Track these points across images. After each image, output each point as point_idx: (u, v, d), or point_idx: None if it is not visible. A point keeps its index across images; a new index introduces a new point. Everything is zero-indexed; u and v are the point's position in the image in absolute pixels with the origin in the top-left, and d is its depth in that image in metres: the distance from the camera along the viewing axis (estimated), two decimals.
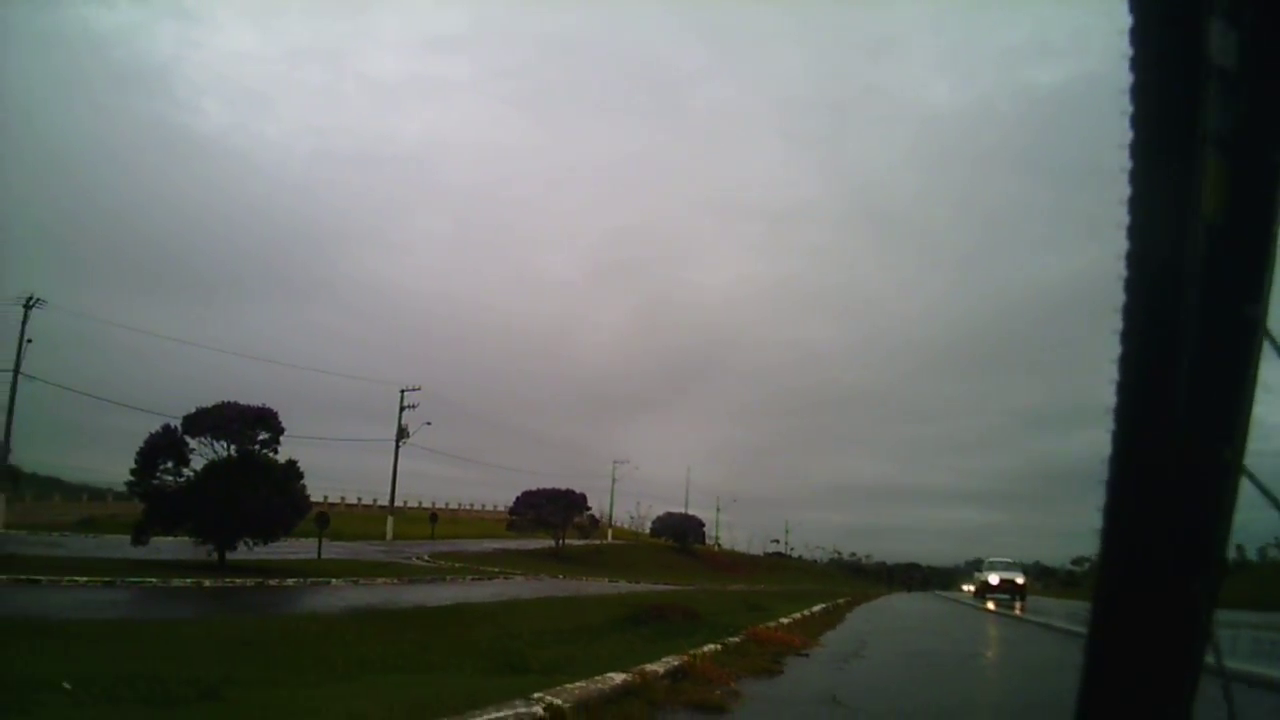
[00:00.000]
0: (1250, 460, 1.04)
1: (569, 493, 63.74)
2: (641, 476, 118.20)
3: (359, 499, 78.35)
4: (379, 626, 13.61)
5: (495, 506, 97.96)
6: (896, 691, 10.12)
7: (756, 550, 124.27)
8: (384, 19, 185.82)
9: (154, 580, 24.21)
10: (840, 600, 33.86)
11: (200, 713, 6.28)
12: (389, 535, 59.65)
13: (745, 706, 8.08)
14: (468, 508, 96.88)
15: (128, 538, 31.40)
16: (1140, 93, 1.04)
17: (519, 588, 31.80)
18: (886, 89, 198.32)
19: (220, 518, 28.51)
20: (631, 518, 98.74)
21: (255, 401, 30.65)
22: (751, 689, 9.08)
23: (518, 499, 64.75)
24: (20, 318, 45.80)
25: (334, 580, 28.71)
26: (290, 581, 27.28)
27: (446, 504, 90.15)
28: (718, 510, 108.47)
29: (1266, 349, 1.03)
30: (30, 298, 45.66)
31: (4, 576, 21.85)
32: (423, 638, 12.01)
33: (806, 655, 12.83)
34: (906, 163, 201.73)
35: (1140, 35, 1.04)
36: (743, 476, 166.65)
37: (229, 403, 29.81)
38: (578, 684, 7.50)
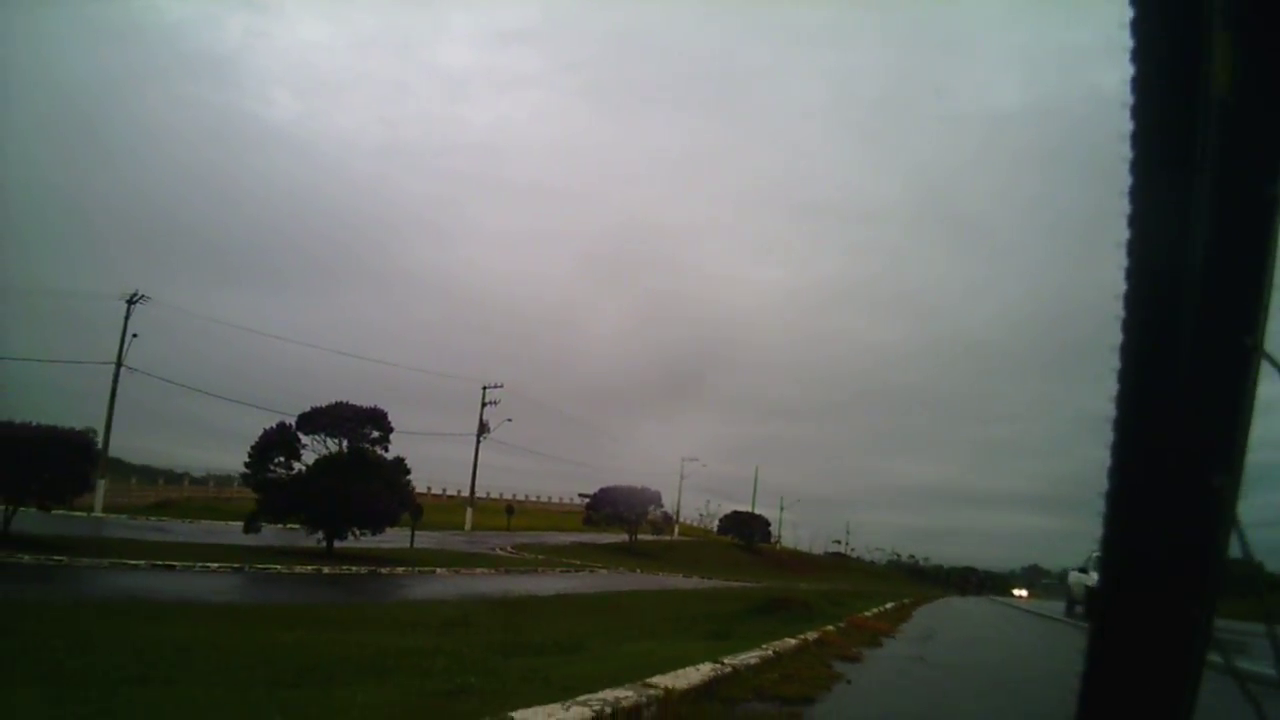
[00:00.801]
0: (1249, 470, 1.05)
1: (644, 490, 65.40)
2: (706, 473, 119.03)
3: (428, 488, 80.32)
4: (552, 610, 15.85)
5: (560, 499, 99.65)
6: (958, 657, 14.68)
7: (818, 550, 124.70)
8: (453, 12, 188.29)
9: (279, 567, 25.81)
10: (905, 600, 35.60)
11: (580, 657, 8.60)
12: (468, 526, 61.38)
13: (868, 661, 11.95)
14: (534, 499, 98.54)
15: (213, 522, 33.04)
16: (1140, 112, 1.07)
17: (611, 580, 33.19)
18: (955, 88, 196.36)
19: (332, 509, 30.05)
20: (701, 515, 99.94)
21: (345, 394, 32.32)
22: (867, 653, 12.90)
23: (595, 494, 66.26)
24: (125, 312, 48.09)
25: (438, 570, 30.25)
26: (400, 570, 28.83)
27: (514, 495, 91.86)
28: (781, 509, 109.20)
29: (1265, 361, 1.05)
30: (135, 294, 47.90)
31: (142, 562, 23.31)
32: (609, 619, 14.40)
33: (894, 637, 16.89)
34: (977, 164, 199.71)
35: (1141, 56, 1.07)
36: (805, 475, 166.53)
37: (343, 403, 31.48)
38: (777, 642, 10.89)
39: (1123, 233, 1.08)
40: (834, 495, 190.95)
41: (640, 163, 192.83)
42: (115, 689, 5.73)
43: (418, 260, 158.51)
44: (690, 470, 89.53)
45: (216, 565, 24.40)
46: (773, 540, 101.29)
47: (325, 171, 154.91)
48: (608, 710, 5.52)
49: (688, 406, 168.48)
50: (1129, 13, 1.06)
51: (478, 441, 63.59)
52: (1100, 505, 1.09)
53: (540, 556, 44.31)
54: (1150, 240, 1.08)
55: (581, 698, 5.69)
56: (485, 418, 63.36)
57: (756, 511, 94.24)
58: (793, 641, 11.59)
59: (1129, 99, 1.08)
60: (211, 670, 6.92)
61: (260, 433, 31.76)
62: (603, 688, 6.14)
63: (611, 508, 64.03)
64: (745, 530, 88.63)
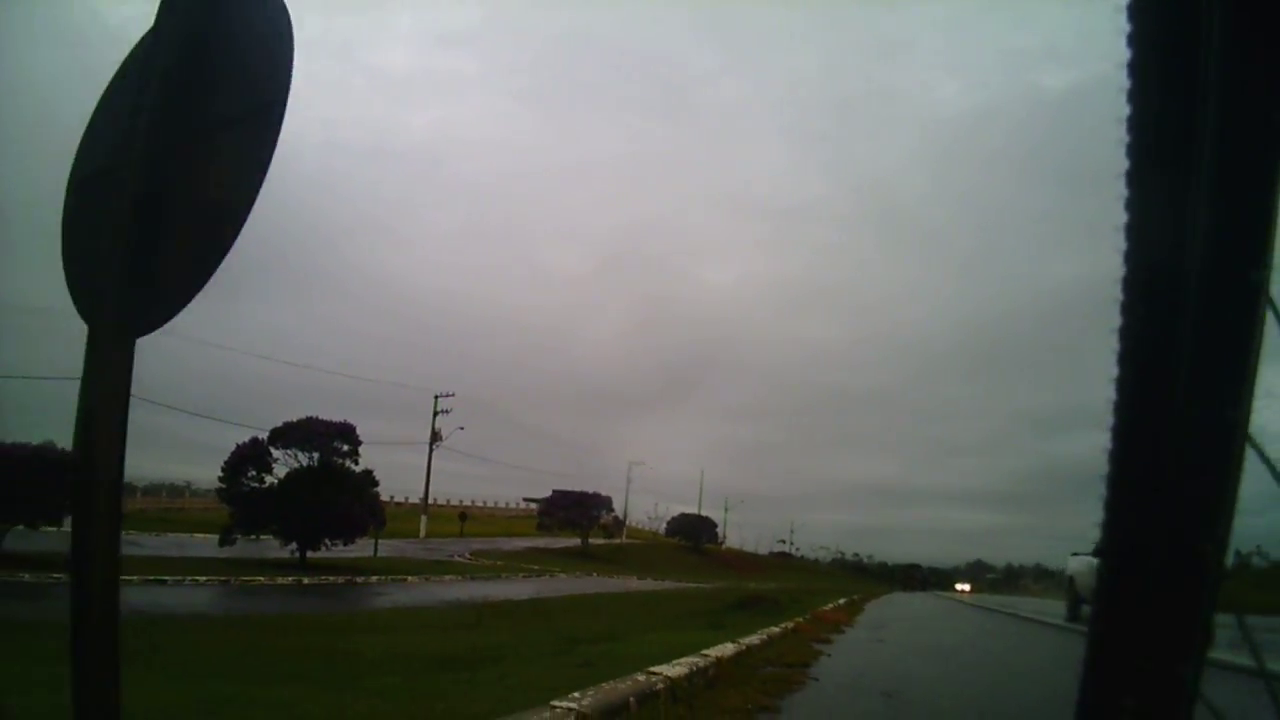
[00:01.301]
0: (1249, 459, 1.05)
1: (595, 495, 67.64)
2: (651, 475, 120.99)
3: (387, 496, 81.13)
4: (545, 612, 17.88)
5: (510, 503, 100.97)
6: (908, 639, 17.26)
7: (763, 550, 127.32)
8: (395, 14, 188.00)
9: (261, 579, 27.08)
10: (855, 597, 38.54)
11: (628, 644, 10.52)
12: (423, 533, 62.55)
13: (838, 642, 14.46)
14: (484, 504, 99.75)
15: (179, 534, 33.60)
16: (1138, 96, 1.07)
17: (576, 584, 34.88)
18: (895, 91, 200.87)
19: (305, 521, 31.37)
20: (649, 518, 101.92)
21: (285, 401, 33.63)
22: (836, 637, 15.59)
23: (547, 499, 68.13)
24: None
25: (409, 577, 31.69)
26: (374, 579, 30.20)
27: (466, 501, 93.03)
28: (725, 510, 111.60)
29: (1265, 347, 1.03)
30: None
31: (135, 578, 24.33)
32: (605, 619, 16.47)
33: (853, 626, 19.60)
34: (915, 164, 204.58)
35: (1138, 40, 1.07)
36: (748, 475, 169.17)
37: (313, 418, 32.80)
38: (765, 630, 13.72)
39: (1120, 241, 1.08)
40: (778, 495, 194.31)
41: (583, 164, 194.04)
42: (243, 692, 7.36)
43: (359, 262, 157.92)
44: (637, 473, 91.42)
45: (205, 579, 25.61)
46: (719, 541, 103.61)
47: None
48: (697, 665, 8.20)
49: (634, 410, 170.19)
50: (1125, 23, 1.06)
51: (430, 450, 64.80)
52: (1100, 505, 1.08)
53: (499, 562, 45.82)
54: (1147, 247, 1.07)
55: (675, 660, 8.22)
56: (437, 426, 64.52)
57: (703, 513, 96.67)
58: (776, 629, 14.62)
59: (1125, 84, 1.07)
60: (343, 670, 8.56)
61: (213, 442, 33.07)
62: (671, 659, 8.33)
63: (564, 513, 66.17)
64: (693, 532, 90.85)
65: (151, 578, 24.57)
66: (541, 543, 65.75)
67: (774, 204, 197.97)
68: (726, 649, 10.12)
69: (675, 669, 7.69)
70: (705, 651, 9.41)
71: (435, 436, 63.71)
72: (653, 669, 7.51)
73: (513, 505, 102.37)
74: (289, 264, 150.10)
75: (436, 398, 64.89)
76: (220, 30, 3.17)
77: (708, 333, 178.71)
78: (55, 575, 22.60)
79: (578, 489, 68.41)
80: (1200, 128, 1.04)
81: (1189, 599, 1.05)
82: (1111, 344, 1.09)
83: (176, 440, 62.19)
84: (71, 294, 3.91)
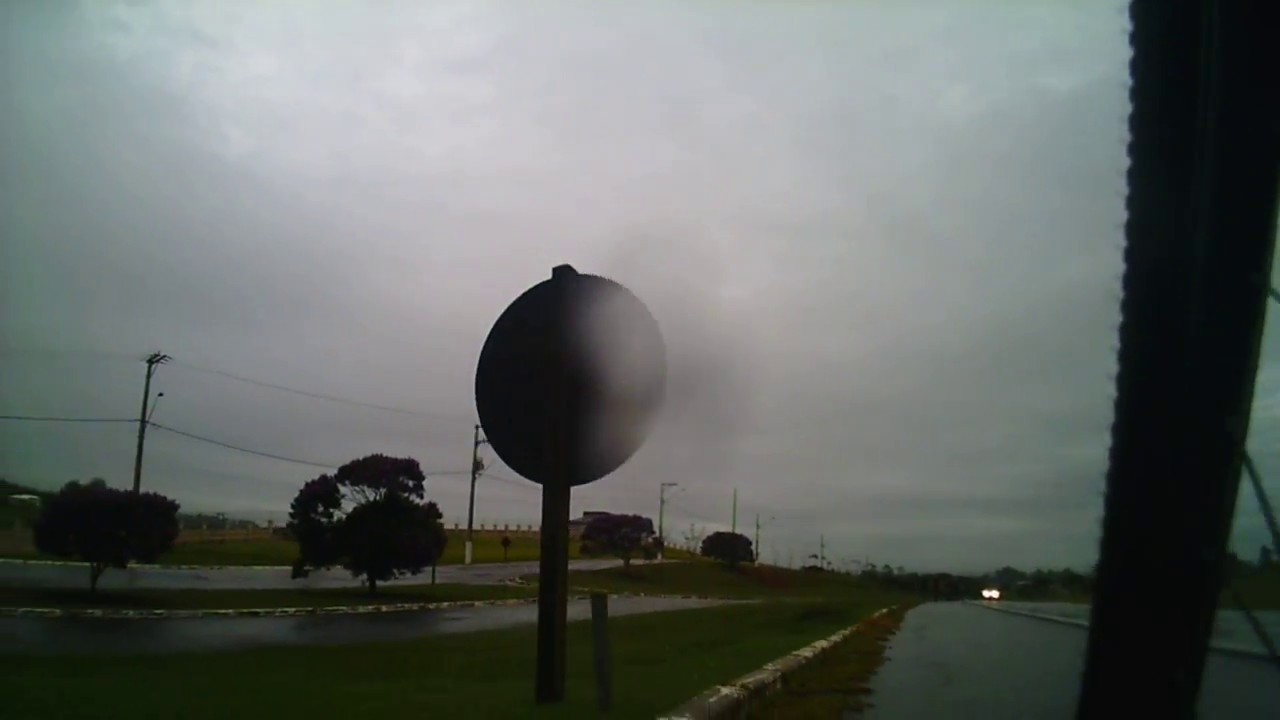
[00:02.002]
0: (1252, 459, 1.04)
1: (636, 518, 69.65)
2: (684, 495, 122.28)
3: None
4: (642, 627, 20.44)
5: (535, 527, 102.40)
6: (946, 637, 20.74)
7: (795, 565, 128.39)
8: (403, 42, 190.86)
9: (344, 608, 28.93)
10: (894, 607, 41.01)
11: (741, 647, 12.67)
12: (468, 559, 64.27)
13: (892, 641, 17.41)
14: (522, 529, 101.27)
15: (236, 567, 35.11)
16: (1140, 94, 1.07)
17: (634, 604, 36.87)
18: (903, 99, 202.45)
19: (375, 552, 33.26)
20: (686, 538, 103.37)
21: (320, 433, 35.53)
22: (890, 637, 18.77)
23: (590, 523, 69.96)
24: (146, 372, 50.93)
25: (476, 603, 33.51)
26: (445, 605, 32.06)
27: (505, 525, 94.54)
28: (757, 527, 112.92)
29: (1266, 346, 1.03)
30: (156, 355, 50.76)
31: (230, 610, 26.17)
32: (687, 633, 18.29)
33: (900, 629, 23.22)
34: (924, 172, 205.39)
35: (1140, 37, 1.07)
36: (777, 491, 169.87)
37: (379, 455, 34.74)
38: (840, 632, 17.17)
39: (1119, 239, 1.07)
40: (807, 509, 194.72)
41: (596, 186, 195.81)
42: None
43: (380, 292, 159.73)
44: (670, 494, 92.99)
45: (294, 610, 27.52)
46: (753, 558, 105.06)
47: (280, 205, 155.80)
48: (814, 652, 11.89)
49: (659, 429, 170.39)
50: (1126, 15, 1.06)
51: (473, 478, 66.71)
52: (1100, 505, 1.08)
53: None
54: (1147, 245, 1.06)
55: (792, 653, 10.87)
56: (479, 455, 66.41)
57: (736, 531, 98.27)
58: (845, 632, 17.88)
59: (1127, 82, 1.07)
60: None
61: (243, 473, 34.93)
62: (786, 653, 10.72)
63: (607, 535, 68.19)
64: (728, 550, 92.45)
65: (245, 610, 26.46)
66: (583, 565, 67.31)
67: (786, 218, 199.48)
68: (823, 644, 13.74)
69: (804, 653, 11.13)
70: (814, 644, 13.14)
71: (478, 465, 65.63)
72: (795, 652, 11.00)
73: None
74: (315, 296, 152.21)
75: (478, 428, 66.78)
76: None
77: (728, 350, 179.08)
78: (159, 611, 24.62)
79: (606, 510, 70.84)
80: (1201, 126, 1.03)
81: (1189, 600, 1.04)
82: (1113, 341, 1.08)
83: (207, 472, 63.88)
84: (508, 455, 6.36)
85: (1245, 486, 1.05)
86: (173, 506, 28.32)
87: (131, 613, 23.97)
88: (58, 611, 22.87)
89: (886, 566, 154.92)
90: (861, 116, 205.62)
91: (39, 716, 6.14)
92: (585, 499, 75.59)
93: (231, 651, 15.88)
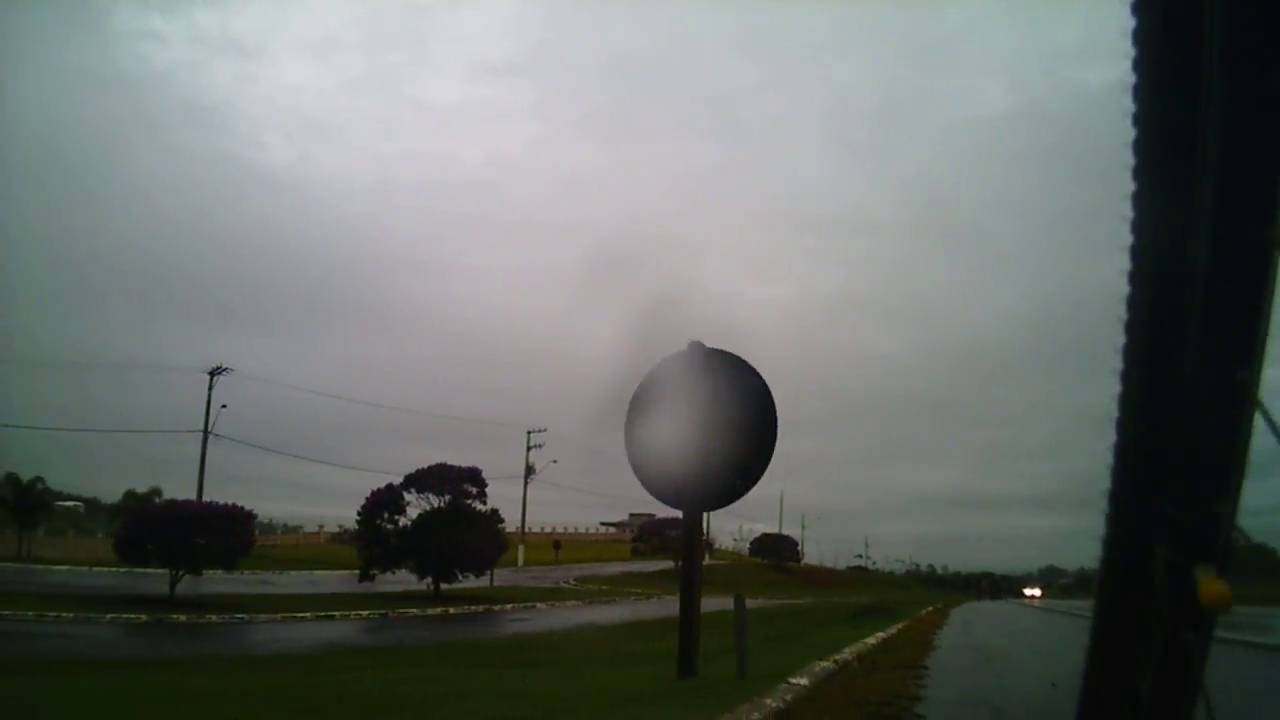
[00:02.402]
0: (1254, 456, 1.04)
1: None
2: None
3: None
4: (709, 625, 21.33)
5: (588, 528, 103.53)
6: (988, 629, 23.64)
7: (840, 564, 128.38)
8: (440, 47, 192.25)
9: (414, 610, 29.96)
10: (939, 605, 42.86)
11: (814, 638, 14.13)
12: (520, 561, 65.36)
13: (940, 634, 19.59)
14: (562, 529, 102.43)
15: (296, 572, 36.25)
16: (1143, 92, 1.08)
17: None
18: (938, 96, 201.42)
19: (440, 556, 34.24)
20: (734, 539, 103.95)
21: (369, 438, 36.48)
22: (939, 631, 20.93)
23: (642, 525, 71.19)
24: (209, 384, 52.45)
25: (538, 604, 34.42)
26: (509, 607, 33.05)
27: (544, 526, 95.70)
28: (803, 528, 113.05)
29: (1270, 344, 1.04)
30: (218, 367, 52.27)
31: (308, 614, 27.20)
32: (769, 628, 19.56)
33: (946, 624, 25.73)
34: (964, 168, 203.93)
35: (1143, 35, 1.07)
36: (820, 490, 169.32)
37: (444, 464, 35.91)
38: (894, 626, 19.04)
39: (1125, 236, 1.08)
40: (851, 508, 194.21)
41: (637, 188, 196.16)
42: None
43: (429, 300, 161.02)
44: None
45: (367, 613, 28.53)
46: (799, 559, 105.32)
47: (320, 213, 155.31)
48: (879, 640, 13.75)
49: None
50: (1130, 20, 1.07)
51: (525, 483, 67.87)
52: (1103, 503, 1.08)
53: (604, 587, 48.50)
54: (1153, 242, 1.07)
55: (859, 641, 12.90)
56: (530, 460, 67.71)
57: (783, 532, 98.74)
58: (898, 627, 20.77)
59: (1130, 106, 1.08)
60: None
61: (281, 478, 36.08)
62: (853, 643, 12.38)
63: (658, 538, 69.26)
64: (775, 551, 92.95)
65: (321, 614, 27.53)
66: (634, 567, 68.33)
67: (824, 215, 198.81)
68: (882, 634, 16.05)
69: (869, 640, 13.57)
70: (875, 635, 15.39)
71: (529, 470, 66.88)
72: (862, 640, 13.12)
73: (591, 530, 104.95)
74: (367, 302, 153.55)
75: (529, 433, 68.17)
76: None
77: (770, 350, 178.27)
78: (240, 615, 25.66)
79: (648, 511, 71.90)
80: (1207, 121, 1.03)
81: (1192, 592, 1.03)
82: (1120, 339, 1.09)
83: (252, 478, 64.98)
84: (652, 487, 7.86)
85: (1244, 486, 1.06)
86: (250, 516, 29.44)
87: (214, 617, 25.02)
88: (144, 617, 24.01)
89: (930, 566, 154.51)
90: (897, 113, 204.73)
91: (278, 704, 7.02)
92: (629, 500, 76.65)
93: (331, 651, 16.91)
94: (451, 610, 30.78)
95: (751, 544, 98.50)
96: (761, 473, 8.66)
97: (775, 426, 8.66)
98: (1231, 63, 1.02)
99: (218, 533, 27.63)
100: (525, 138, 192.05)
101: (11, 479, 52.09)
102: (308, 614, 27.17)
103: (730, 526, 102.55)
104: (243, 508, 29.42)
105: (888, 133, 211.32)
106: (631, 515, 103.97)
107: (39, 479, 52.81)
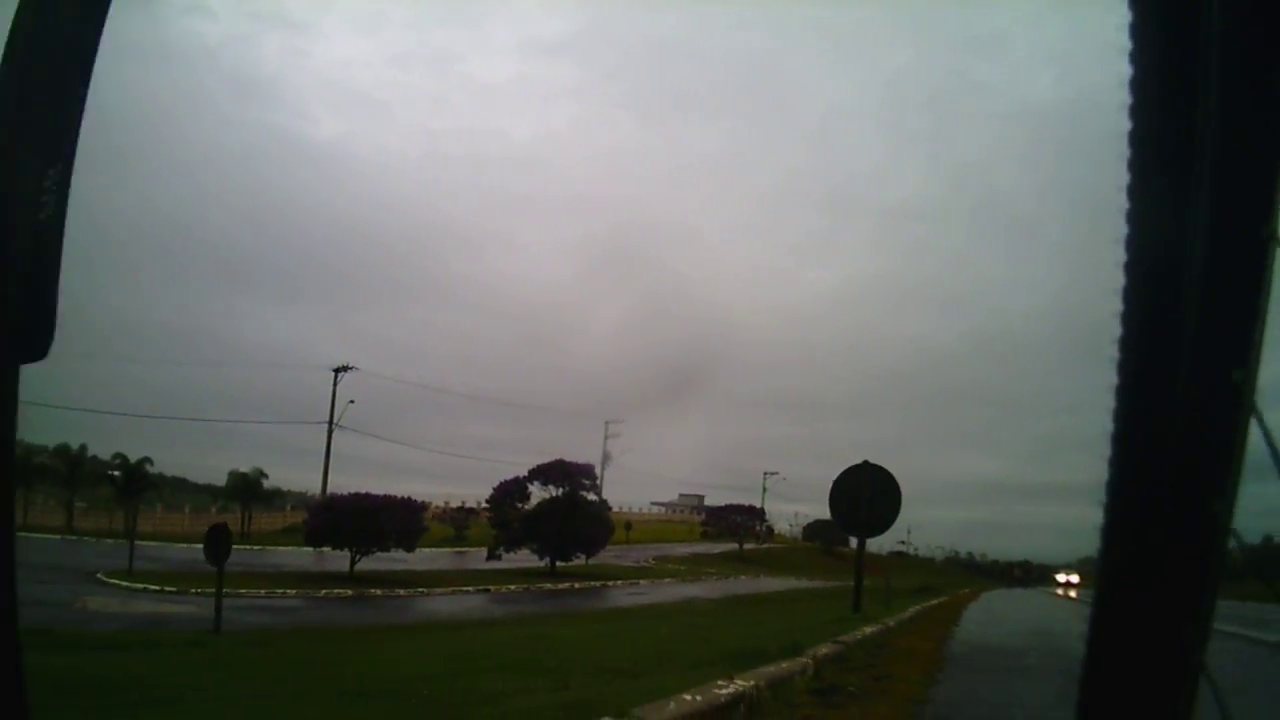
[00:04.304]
0: (1252, 458, 1.04)
1: (752, 507, 79.16)
2: (783, 481, 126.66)
3: None
4: (797, 597, 27.92)
5: (640, 509, 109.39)
6: (1005, 606, 33.62)
7: (884, 550, 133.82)
8: (488, 24, 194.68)
9: (548, 585, 36.87)
10: (974, 588, 52.78)
11: (896, 605, 20.59)
12: None
13: (969, 606, 30.78)
14: (618, 510, 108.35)
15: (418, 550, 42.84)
16: (1139, 87, 1.07)
17: (760, 584, 44.67)
18: (990, 85, 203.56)
19: (559, 539, 41.18)
20: (789, 525, 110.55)
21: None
22: (970, 605, 32.10)
23: (710, 510, 79.00)
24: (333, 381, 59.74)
25: (640, 581, 41.37)
26: (620, 582, 39.98)
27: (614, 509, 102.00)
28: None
29: (1267, 346, 1.03)
30: (343, 366, 59.57)
31: (470, 588, 33.54)
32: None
33: (976, 602, 36.54)
34: (1013, 158, 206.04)
35: (1139, 36, 1.08)
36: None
37: (562, 460, 42.96)
38: (937, 599, 28.64)
39: (1121, 229, 1.08)
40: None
41: (682, 169, 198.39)
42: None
43: (491, 277, 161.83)
44: (772, 481, 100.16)
45: (515, 587, 35.25)
46: (848, 544, 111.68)
47: (372, 187, 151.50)
48: (934, 603, 22.87)
49: (737, 411, 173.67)
50: (1127, 14, 1.06)
51: (602, 469, 75.08)
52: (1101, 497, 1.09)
53: (683, 567, 55.37)
54: (1149, 238, 1.07)
55: (927, 602, 22.26)
56: (607, 448, 75.21)
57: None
58: (947, 598, 29.21)
59: (1127, 99, 1.07)
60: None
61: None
62: (923, 603, 20.76)
63: (724, 522, 77.15)
64: (826, 536, 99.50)
65: (479, 587, 34.03)
66: (700, 548, 75.43)
67: (874, 202, 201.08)
68: (935, 602, 25.22)
69: (931, 602, 23.29)
70: (932, 601, 24.59)
71: (606, 457, 74.31)
72: (928, 602, 22.36)
73: (643, 510, 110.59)
74: (427, 279, 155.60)
75: (607, 424, 76.01)
76: None
77: (815, 334, 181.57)
78: (401, 591, 31.25)
79: (744, 504, 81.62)
80: (1201, 126, 1.02)
81: (1191, 587, 1.04)
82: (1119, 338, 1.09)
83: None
84: (839, 518, 15.74)
85: (1244, 487, 1.05)
86: (422, 506, 36.42)
87: (402, 591, 30.82)
88: (349, 592, 29.57)
89: (970, 553, 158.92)
90: (949, 101, 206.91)
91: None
92: (682, 482, 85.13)
93: (545, 613, 23.75)
94: (576, 585, 37.73)
95: (804, 529, 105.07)
96: (893, 521, 17.21)
97: (899, 499, 16.83)
98: (1229, 57, 1.02)
99: (399, 519, 34.38)
100: (575, 116, 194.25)
101: (118, 458, 56.48)
102: (469, 588, 33.45)
103: (784, 510, 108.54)
104: (415, 500, 36.48)
105: (939, 121, 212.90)
106: (681, 496, 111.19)
107: (147, 459, 56.79)
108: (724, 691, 6.40)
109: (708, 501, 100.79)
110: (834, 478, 17.89)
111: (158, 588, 26.00)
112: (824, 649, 10.19)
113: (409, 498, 36.54)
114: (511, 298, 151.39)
